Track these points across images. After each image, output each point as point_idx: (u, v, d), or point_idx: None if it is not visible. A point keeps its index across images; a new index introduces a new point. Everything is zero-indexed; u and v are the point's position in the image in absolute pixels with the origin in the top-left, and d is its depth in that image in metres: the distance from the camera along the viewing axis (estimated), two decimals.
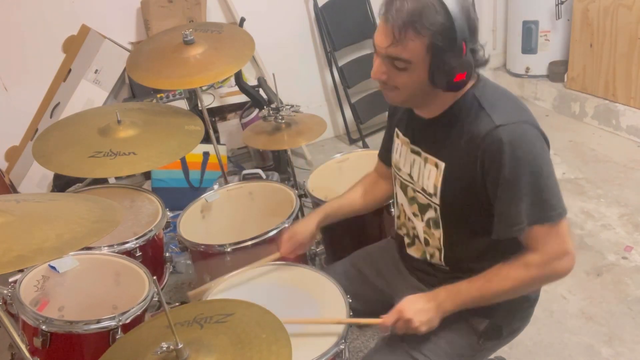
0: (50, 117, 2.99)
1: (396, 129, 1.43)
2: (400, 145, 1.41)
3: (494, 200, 1.21)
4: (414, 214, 1.40)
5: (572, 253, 1.21)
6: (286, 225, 1.79)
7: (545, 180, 1.17)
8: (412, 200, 1.40)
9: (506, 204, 1.18)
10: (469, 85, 1.23)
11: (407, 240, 1.46)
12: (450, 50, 1.12)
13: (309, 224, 1.56)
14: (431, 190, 1.30)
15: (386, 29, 1.15)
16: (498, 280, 1.23)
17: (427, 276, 1.42)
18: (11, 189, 3.00)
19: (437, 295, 1.27)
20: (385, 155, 1.57)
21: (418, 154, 1.34)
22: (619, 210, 2.62)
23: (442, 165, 1.26)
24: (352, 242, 1.86)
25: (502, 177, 1.16)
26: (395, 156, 1.44)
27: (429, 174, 1.30)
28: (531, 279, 1.22)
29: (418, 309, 1.25)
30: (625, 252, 2.39)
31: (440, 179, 1.27)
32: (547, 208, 1.17)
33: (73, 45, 3.00)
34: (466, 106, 1.23)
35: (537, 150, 1.18)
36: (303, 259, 1.96)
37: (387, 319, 1.28)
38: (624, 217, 2.58)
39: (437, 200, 1.29)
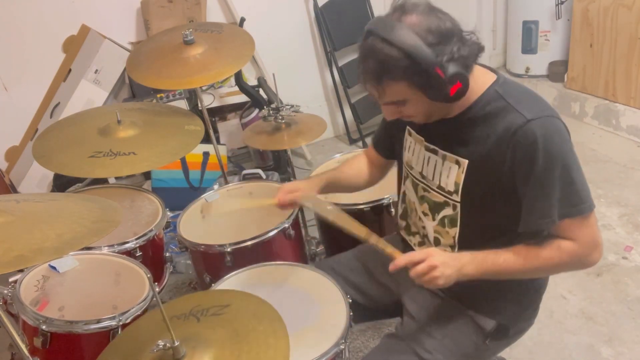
0: (50, 117, 2.99)
1: (408, 127, 1.42)
2: (414, 144, 1.40)
3: (523, 194, 1.20)
4: (424, 213, 1.39)
5: (601, 245, 1.22)
6: (286, 225, 1.79)
7: (575, 174, 1.18)
8: (422, 199, 1.39)
9: (537, 198, 1.18)
10: (488, 82, 1.24)
11: (417, 239, 1.46)
12: (428, 79, 1.13)
13: (311, 187, 1.52)
14: (451, 188, 1.29)
15: (368, 88, 1.21)
16: (526, 256, 1.22)
17: None
18: (11, 189, 3.00)
19: (462, 257, 1.24)
20: (379, 144, 1.57)
21: (434, 152, 1.33)
22: (619, 210, 2.62)
23: (464, 162, 1.26)
24: (352, 241, 1.86)
25: (535, 171, 1.16)
26: (407, 154, 1.43)
27: (448, 171, 1.29)
28: (562, 263, 1.22)
29: (445, 260, 1.21)
30: (625, 252, 2.39)
31: (462, 177, 1.26)
32: (578, 201, 1.18)
33: (73, 45, 3.00)
34: (489, 103, 1.23)
35: (568, 144, 1.19)
36: (303, 259, 1.97)
37: (412, 255, 1.23)
38: (624, 217, 2.58)
39: (457, 197, 1.29)
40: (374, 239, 1.30)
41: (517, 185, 1.20)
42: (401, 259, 1.23)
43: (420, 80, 1.14)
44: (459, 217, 1.31)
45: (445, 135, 1.31)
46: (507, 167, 1.20)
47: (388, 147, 1.53)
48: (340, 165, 1.65)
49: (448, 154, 1.30)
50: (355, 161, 1.64)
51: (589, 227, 1.20)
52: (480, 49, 1.19)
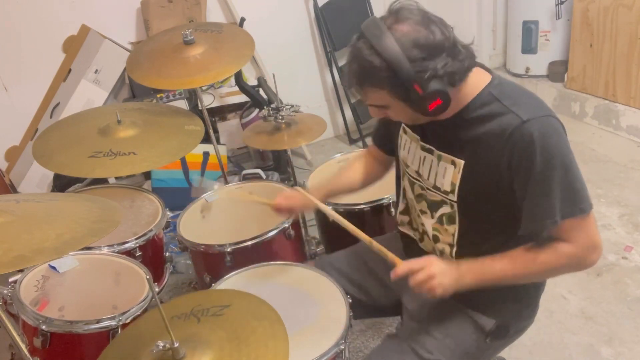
0: (50, 117, 2.99)
1: (403, 125, 1.43)
2: (409, 142, 1.40)
3: (522, 195, 1.19)
4: (422, 211, 1.39)
5: (600, 246, 1.21)
6: (286, 225, 1.79)
7: (574, 173, 1.17)
8: (419, 197, 1.39)
9: (538, 199, 1.18)
10: (482, 84, 1.23)
11: (417, 236, 1.46)
12: (408, 93, 1.15)
13: (309, 201, 1.54)
14: (447, 188, 1.29)
15: (352, 89, 1.23)
16: (525, 262, 1.22)
17: None
18: (11, 189, 3.00)
19: (460, 266, 1.25)
20: (379, 141, 1.58)
21: (430, 151, 1.33)
22: (619, 210, 2.62)
23: (460, 163, 1.26)
24: (352, 242, 1.86)
25: (534, 171, 1.16)
26: (403, 152, 1.43)
27: (444, 171, 1.29)
28: (560, 266, 1.22)
29: (444, 269, 1.23)
30: (625, 252, 2.39)
31: (459, 177, 1.26)
32: (578, 200, 1.17)
33: (73, 45, 3.00)
34: (484, 104, 1.22)
35: (566, 143, 1.18)
36: (303, 259, 1.97)
37: (413, 263, 1.25)
38: (624, 217, 2.58)
39: (454, 197, 1.28)
40: (375, 245, 1.31)
41: (516, 187, 1.20)
42: (402, 266, 1.25)
43: (399, 93, 1.16)
44: (457, 215, 1.31)
45: (440, 135, 1.31)
46: (504, 168, 1.19)
47: (387, 143, 1.53)
48: (338, 172, 1.66)
49: (444, 154, 1.30)
50: (354, 164, 1.64)
51: (588, 228, 1.19)
52: (472, 63, 1.19)
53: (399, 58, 1.11)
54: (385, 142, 1.54)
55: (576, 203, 1.17)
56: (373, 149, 1.62)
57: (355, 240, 1.75)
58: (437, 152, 1.31)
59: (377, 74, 1.14)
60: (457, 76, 1.16)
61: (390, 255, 1.29)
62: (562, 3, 3.41)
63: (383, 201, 1.84)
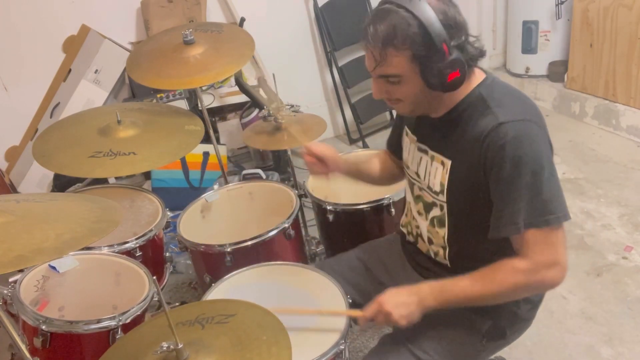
0: (50, 117, 2.99)
1: (405, 127, 1.44)
2: (409, 144, 1.41)
3: (494, 198, 1.20)
4: (419, 213, 1.40)
5: (562, 264, 1.18)
6: (286, 225, 1.79)
7: (546, 182, 1.15)
8: (417, 198, 1.40)
9: (504, 203, 1.17)
10: (475, 83, 1.24)
11: (411, 239, 1.46)
12: (433, 55, 1.14)
13: (339, 158, 1.54)
14: (437, 189, 1.30)
15: (369, 54, 1.20)
16: (484, 282, 1.21)
17: (431, 273, 1.41)
18: (11, 189, 3.00)
19: (420, 290, 1.26)
20: (391, 145, 1.59)
21: (425, 152, 1.34)
22: (619, 210, 2.62)
23: (448, 163, 1.26)
24: (352, 242, 1.86)
25: (503, 174, 1.15)
26: (405, 154, 1.45)
27: (435, 172, 1.30)
28: (516, 285, 1.20)
29: (398, 302, 1.24)
30: (625, 252, 2.39)
31: (446, 177, 1.27)
32: (546, 211, 1.15)
33: (73, 45, 3.00)
34: (472, 104, 1.23)
35: (540, 150, 1.16)
36: (303, 259, 1.97)
37: (367, 311, 1.28)
38: (624, 217, 2.58)
39: (443, 198, 1.29)
40: (325, 312, 1.37)
41: (491, 188, 1.20)
42: (361, 319, 1.30)
43: (424, 54, 1.14)
44: (446, 217, 1.31)
45: (433, 135, 1.32)
46: (481, 169, 1.19)
47: (398, 148, 1.54)
48: (366, 156, 1.68)
49: (435, 154, 1.30)
50: (372, 158, 1.65)
51: (550, 244, 1.17)
52: (482, 54, 1.20)
53: (432, 18, 1.12)
54: (396, 146, 1.54)
55: (542, 214, 1.15)
56: (386, 152, 1.63)
57: (354, 241, 1.75)
58: (430, 152, 1.32)
59: (406, 31, 1.12)
60: (471, 60, 1.18)
61: (350, 312, 1.35)
62: (562, 3, 3.41)
63: (383, 201, 1.84)
